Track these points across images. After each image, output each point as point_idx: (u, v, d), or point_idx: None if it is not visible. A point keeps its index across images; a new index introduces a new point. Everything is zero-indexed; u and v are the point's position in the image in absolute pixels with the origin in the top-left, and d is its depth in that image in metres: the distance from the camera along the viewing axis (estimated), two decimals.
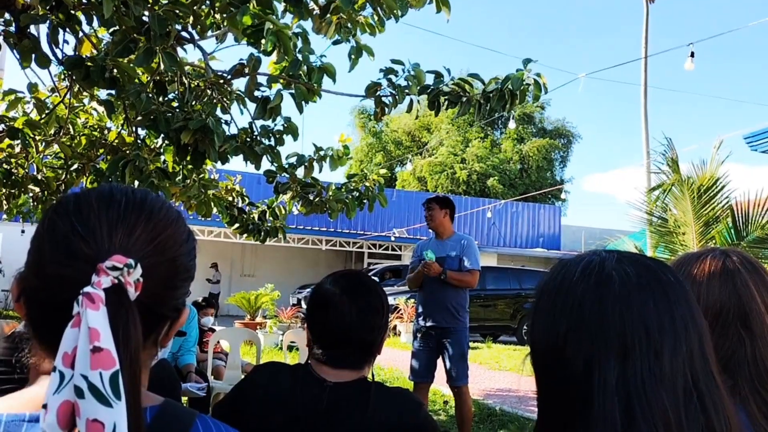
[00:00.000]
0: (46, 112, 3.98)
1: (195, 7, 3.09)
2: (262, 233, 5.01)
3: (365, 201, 4.51)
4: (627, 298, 0.78)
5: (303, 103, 3.22)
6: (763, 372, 1.14)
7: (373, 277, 1.80)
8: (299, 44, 3.11)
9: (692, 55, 10.39)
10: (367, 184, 4.54)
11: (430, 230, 4.98)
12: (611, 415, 0.73)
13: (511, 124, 12.60)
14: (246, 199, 5.13)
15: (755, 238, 6.05)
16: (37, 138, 4.08)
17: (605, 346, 0.76)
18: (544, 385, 0.84)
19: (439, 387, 6.66)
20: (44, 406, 0.62)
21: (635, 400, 0.73)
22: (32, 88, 3.98)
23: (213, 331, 6.25)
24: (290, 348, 9.16)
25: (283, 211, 4.97)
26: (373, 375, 1.64)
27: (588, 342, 0.77)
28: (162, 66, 2.81)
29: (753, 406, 1.10)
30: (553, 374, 0.82)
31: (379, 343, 1.67)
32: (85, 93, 4.09)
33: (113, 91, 3.27)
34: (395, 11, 3.39)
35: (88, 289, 0.66)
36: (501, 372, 9.65)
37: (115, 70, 2.97)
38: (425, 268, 4.64)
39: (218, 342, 5.98)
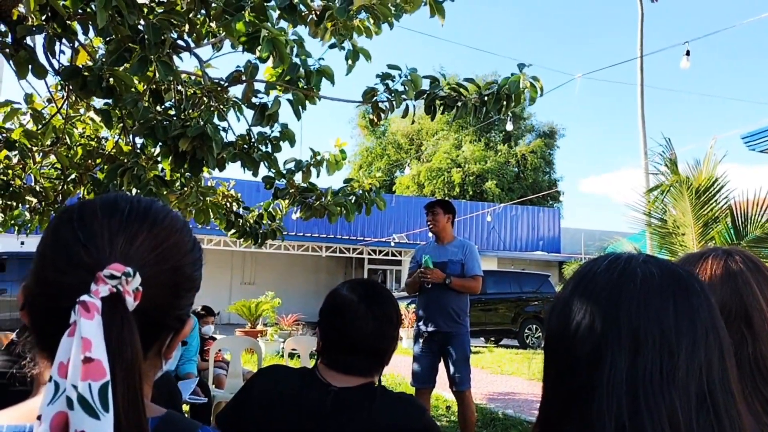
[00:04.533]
0: (43, 122, 3.98)
1: (190, 16, 3.09)
2: (259, 236, 5.00)
3: (363, 204, 4.50)
4: (646, 296, 0.77)
5: (300, 108, 3.21)
6: (765, 370, 1.13)
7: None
8: (296, 50, 3.11)
9: (688, 53, 10.38)
10: (365, 186, 4.53)
11: (431, 234, 4.96)
12: (616, 407, 0.72)
13: (509, 126, 12.63)
14: (242, 203, 5.12)
15: (755, 237, 6.04)
16: (34, 149, 4.08)
17: (617, 338, 0.75)
18: (551, 371, 0.83)
19: (442, 392, 6.64)
20: (38, 417, 0.62)
21: (642, 395, 0.72)
22: (29, 98, 3.97)
23: (214, 339, 6.24)
24: (291, 356, 9.15)
25: (280, 213, 4.96)
26: (379, 380, 1.63)
27: (599, 332, 0.77)
28: (157, 75, 2.80)
29: (756, 404, 1.10)
30: (561, 360, 0.81)
31: (390, 353, 1.66)
32: (81, 103, 4.08)
33: (110, 101, 3.27)
34: (389, 18, 3.39)
35: (84, 297, 0.66)
36: (503, 376, 9.62)
37: (111, 80, 2.96)
38: (425, 275, 4.61)
39: (219, 351, 5.96)
